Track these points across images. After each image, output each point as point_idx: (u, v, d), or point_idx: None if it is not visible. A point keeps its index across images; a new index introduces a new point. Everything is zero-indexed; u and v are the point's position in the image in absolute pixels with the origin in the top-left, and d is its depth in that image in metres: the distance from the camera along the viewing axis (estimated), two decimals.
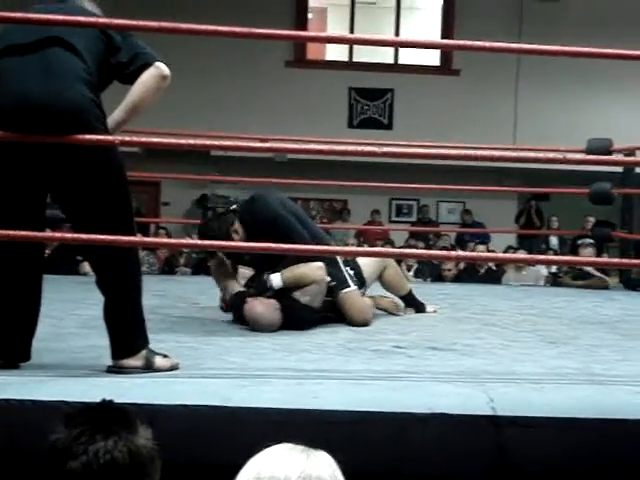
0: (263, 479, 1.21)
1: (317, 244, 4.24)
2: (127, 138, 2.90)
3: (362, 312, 4.31)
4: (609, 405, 2.58)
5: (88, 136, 2.69)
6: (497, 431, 2.38)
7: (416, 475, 2.39)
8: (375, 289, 4.81)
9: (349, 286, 4.32)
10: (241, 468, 1.26)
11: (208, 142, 3.17)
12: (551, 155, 3.06)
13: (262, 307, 4.03)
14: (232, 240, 4.12)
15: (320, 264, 4.18)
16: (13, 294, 2.85)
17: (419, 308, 4.82)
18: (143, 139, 3.21)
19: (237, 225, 4.23)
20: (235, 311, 4.21)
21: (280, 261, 4.12)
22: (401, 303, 4.82)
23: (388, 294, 4.83)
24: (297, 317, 4.05)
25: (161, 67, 2.81)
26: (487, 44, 3.21)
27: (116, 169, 2.81)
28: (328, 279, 4.22)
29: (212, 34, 2.95)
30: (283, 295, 4.07)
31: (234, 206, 4.30)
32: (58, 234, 3.19)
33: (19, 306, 2.86)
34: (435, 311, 4.87)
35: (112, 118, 2.84)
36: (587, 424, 2.43)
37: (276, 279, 4.09)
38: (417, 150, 3.23)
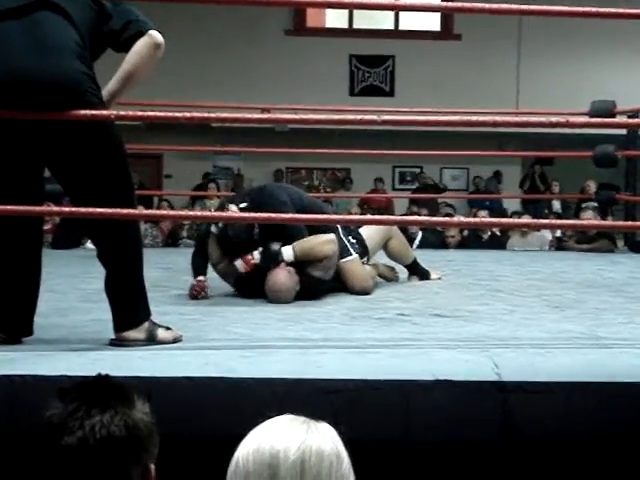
0: (263, 451, 1.19)
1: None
2: (123, 112, 2.85)
3: (362, 280, 4.31)
4: (615, 368, 2.56)
5: (83, 111, 2.66)
6: (502, 397, 2.36)
7: (421, 442, 2.38)
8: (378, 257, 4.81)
9: (350, 254, 4.32)
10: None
11: (206, 114, 3.12)
12: (554, 119, 3.01)
13: (285, 276, 3.99)
14: (252, 239, 4.07)
15: (331, 237, 4.15)
16: (12, 269, 2.84)
17: (423, 276, 4.82)
18: (139, 113, 3.16)
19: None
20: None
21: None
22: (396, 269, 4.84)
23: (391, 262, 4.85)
24: (312, 291, 4.04)
25: (154, 35, 2.76)
26: (487, 5, 3.17)
27: (113, 142, 2.78)
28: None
29: (210, 1, 2.90)
30: (297, 269, 4.03)
31: (245, 205, 4.11)
32: (56, 208, 3.17)
33: (19, 280, 2.86)
34: (440, 278, 4.87)
35: (107, 90, 2.80)
36: (593, 388, 2.41)
37: (287, 252, 4.02)
38: (416, 117, 3.19)
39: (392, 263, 4.87)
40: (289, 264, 4.02)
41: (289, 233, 4.05)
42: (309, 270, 4.06)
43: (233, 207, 4.10)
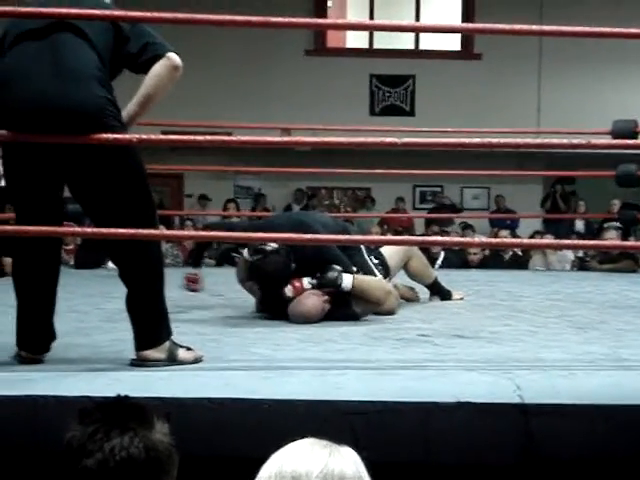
0: (285, 475, 1.18)
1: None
2: (145, 136, 2.87)
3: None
4: (638, 390, 2.53)
5: (105, 135, 2.68)
6: (524, 419, 2.34)
7: (443, 465, 2.36)
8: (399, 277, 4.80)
9: (375, 275, 4.29)
10: (265, 461, 1.24)
11: (227, 137, 3.14)
12: (575, 141, 3.00)
13: (315, 302, 3.95)
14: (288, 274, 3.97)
15: (392, 288, 4.19)
16: (33, 287, 2.86)
17: (444, 296, 4.80)
18: (161, 136, 3.19)
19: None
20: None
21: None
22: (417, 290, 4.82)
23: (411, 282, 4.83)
24: (341, 319, 3.98)
25: (172, 58, 2.76)
26: (508, 26, 3.16)
27: (133, 163, 2.79)
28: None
29: (228, 24, 2.92)
30: (342, 298, 3.99)
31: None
32: (78, 229, 3.19)
33: (39, 298, 2.88)
34: (462, 298, 4.84)
35: (126, 112, 2.82)
36: (616, 410, 2.38)
37: (347, 280, 3.96)
38: (437, 140, 3.19)
39: (412, 283, 4.86)
40: (339, 292, 3.97)
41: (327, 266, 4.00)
42: (353, 304, 4.03)
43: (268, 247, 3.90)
